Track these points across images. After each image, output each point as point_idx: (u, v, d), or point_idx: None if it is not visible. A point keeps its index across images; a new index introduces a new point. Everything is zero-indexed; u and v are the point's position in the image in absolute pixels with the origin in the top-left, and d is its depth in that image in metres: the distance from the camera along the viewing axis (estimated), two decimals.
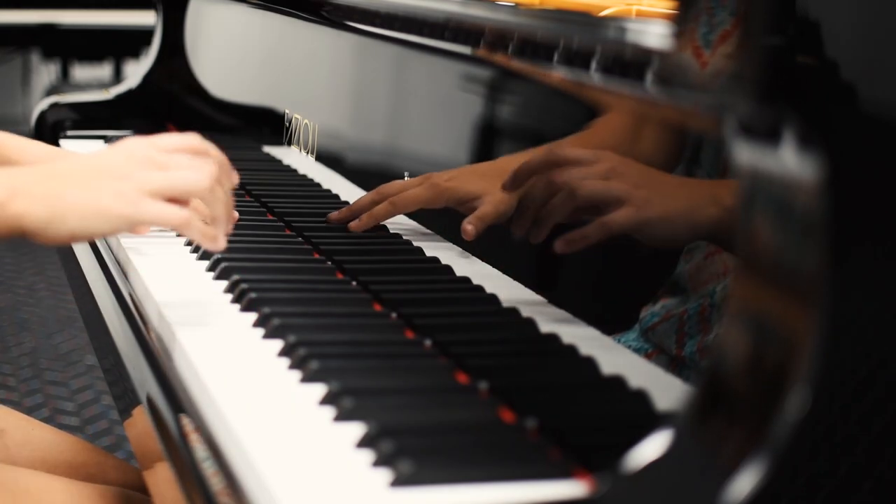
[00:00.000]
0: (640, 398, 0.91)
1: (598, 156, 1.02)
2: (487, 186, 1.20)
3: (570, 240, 1.00)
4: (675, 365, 0.94)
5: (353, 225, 1.37)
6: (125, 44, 5.20)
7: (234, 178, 1.09)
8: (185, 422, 0.94)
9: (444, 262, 1.26)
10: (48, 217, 0.96)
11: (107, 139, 2.06)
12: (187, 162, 1.02)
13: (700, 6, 0.80)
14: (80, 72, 5.36)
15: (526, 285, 1.14)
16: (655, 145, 1.00)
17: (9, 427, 1.40)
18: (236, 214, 1.08)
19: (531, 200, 1.08)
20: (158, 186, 0.99)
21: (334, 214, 1.40)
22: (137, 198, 0.98)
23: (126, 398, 1.14)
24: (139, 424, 1.06)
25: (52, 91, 4.60)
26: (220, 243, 1.05)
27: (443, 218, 1.31)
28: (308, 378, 0.95)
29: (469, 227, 1.20)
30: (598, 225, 0.98)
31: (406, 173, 1.38)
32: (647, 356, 0.98)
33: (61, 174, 1.00)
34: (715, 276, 0.91)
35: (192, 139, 1.06)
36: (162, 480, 0.96)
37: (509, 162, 1.20)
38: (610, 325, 1.03)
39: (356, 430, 0.85)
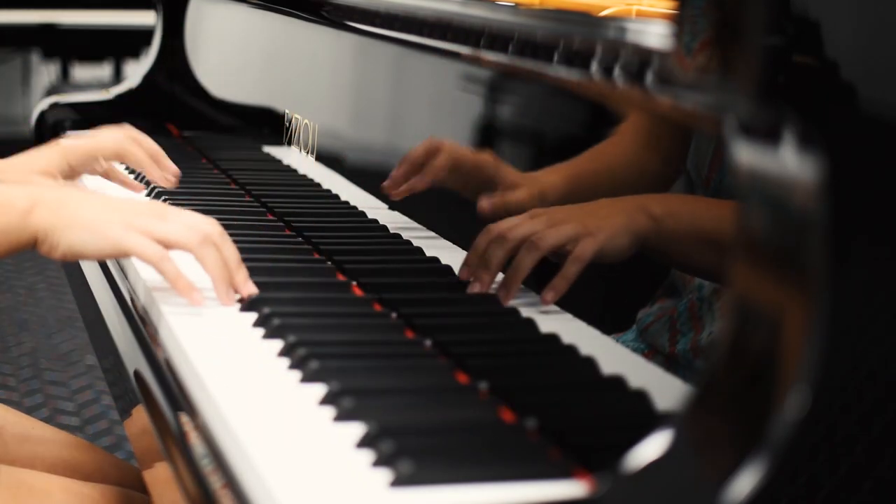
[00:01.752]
0: (640, 398, 0.91)
1: (535, 214, 1.11)
2: (527, 179, 1.19)
3: (555, 288, 1.08)
4: (668, 363, 0.94)
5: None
6: (125, 44, 5.20)
7: (236, 258, 1.12)
8: (185, 421, 0.94)
9: (444, 262, 1.26)
10: (55, 226, 1.08)
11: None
12: (187, 219, 1.11)
13: (687, 12, 0.80)
14: (80, 72, 5.37)
15: (526, 285, 1.14)
16: (664, 155, 1.00)
17: (7, 425, 1.40)
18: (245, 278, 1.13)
19: (488, 264, 1.14)
20: (152, 229, 1.09)
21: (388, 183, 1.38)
22: (129, 229, 1.08)
23: (126, 398, 1.14)
24: (139, 424, 1.06)
25: (52, 91, 4.60)
26: (193, 297, 1.09)
27: (443, 218, 1.31)
28: (308, 378, 0.95)
29: (486, 202, 1.20)
30: (572, 263, 1.05)
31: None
32: (644, 356, 0.98)
33: (77, 196, 1.11)
34: None
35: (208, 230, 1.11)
36: (161, 480, 0.96)
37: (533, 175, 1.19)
38: (609, 325, 1.03)
39: (356, 430, 0.85)
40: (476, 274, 1.16)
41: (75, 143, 1.42)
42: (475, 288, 1.15)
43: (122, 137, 1.43)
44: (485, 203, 1.20)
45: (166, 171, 1.44)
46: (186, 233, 1.09)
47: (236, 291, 1.11)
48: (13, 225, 1.07)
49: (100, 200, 1.11)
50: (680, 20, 0.81)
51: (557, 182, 1.15)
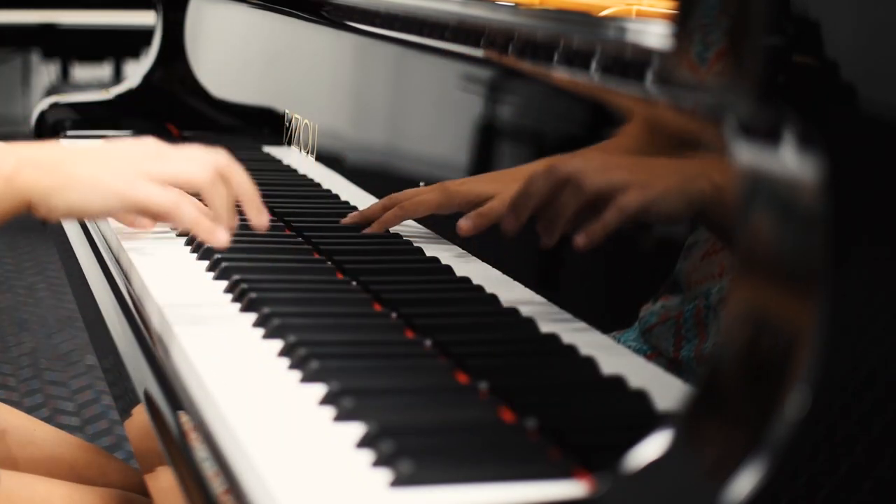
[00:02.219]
0: (640, 398, 0.91)
1: (588, 155, 1.04)
2: (499, 188, 1.20)
3: (590, 233, 1.00)
4: (671, 368, 0.94)
5: (364, 231, 1.36)
6: (125, 44, 5.20)
7: (248, 184, 1.06)
8: (185, 421, 0.94)
9: (444, 262, 1.26)
10: (51, 186, 0.99)
11: (107, 139, 2.05)
12: (192, 153, 1.04)
13: (696, 20, 0.80)
14: (80, 72, 5.36)
15: (526, 285, 1.14)
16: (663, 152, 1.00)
17: (10, 428, 1.40)
18: (235, 221, 1.07)
19: (535, 204, 1.08)
20: (157, 172, 1.01)
21: (346, 220, 1.39)
22: (134, 178, 1.00)
23: (126, 398, 1.14)
24: (139, 425, 1.06)
25: (52, 91, 4.60)
26: (216, 236, 1.03)
27: (443, 218, 1.31)
28: (308, 378, 0.95)
29: (465, 223, 1.19)
30: (613, 211, 0.98)
31: (421, 182, 1.38)
32: (647, 357, 0.98)
33: (69, 151, 1.04)
34: (710, 277, 0.91)
35: (216, 159, 1.05)
36: (163, 483, 0.96)
37: (521, 169, 1.20)
38: (610, 323, 1.03)
39: (356, 430, 0.85)
40: (518, 214, 1.09)
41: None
42: (512, 229, 1.09)
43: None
44: (463, 224, 1.19)
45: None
46: (196, 169, 1.01)
47: (252, 225, 1.06)
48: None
49: (94, 152, 1.03)
50: (681, 20, 0.81)
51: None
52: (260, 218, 1.06)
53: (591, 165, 1.03)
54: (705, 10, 0.79)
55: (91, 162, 1.01)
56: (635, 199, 0.97)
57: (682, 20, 0.81)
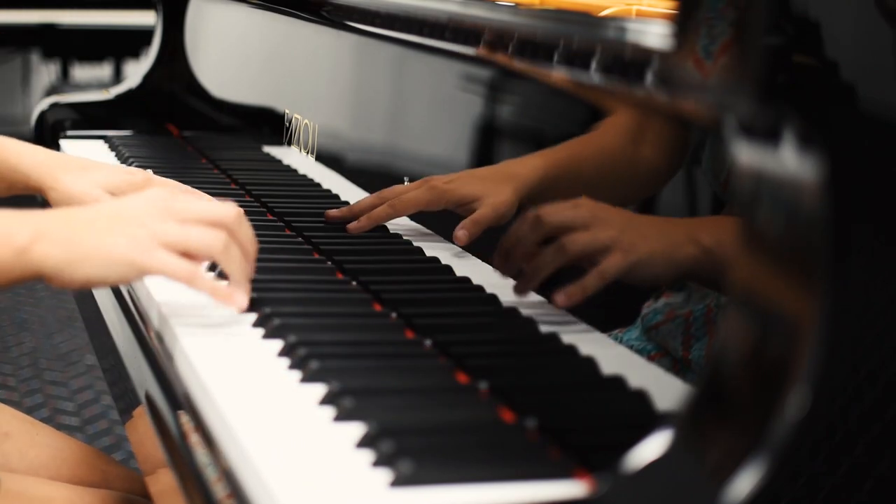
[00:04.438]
0: (640, 398, 0.91)
1: (578, 206, 1.05)
2: (487, 189, 1.20)
3: (570, 294, 1.03)
4: (679, 367, 0.94)
5: (351, 226, 1.37)
6: (125, 44, 5.20)
7: (253, 244, 1.07)
8: (185, 422, 0.94)
9: (444, 262, 1.26)
10: (66, 261, 0.98)
11: (107, 139, 2.06)
12: (204, 211, 1.04)
13: (700, 15, 0.80)
14: (80, 72, 5.36)
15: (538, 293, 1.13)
16: (658, 148, 1.00)
17: (13, 431, 1.39)
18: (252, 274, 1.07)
19: (519, 252, 1.11)
20: (173, 240, 1.01)
21: (333, 212, 1.40)
22: (150, 246, 1.00)
23: (126, 398, 1.14)
24: (140, 427, 1.06)
25: (52, 91, 4.60)
26: (235, 301, 1.04)
27: (443, 218, 1.31)
28: (308, 378, 0.95)
29: (461, 232, 1.22)
30: (594, 276, 1.01)
31: (406, 178, 1.38)
32: (650, 358, 0.98)
33: (83, 219, 1.02)
34: None
35: (223, 210, 1.05)
36: (164, 485, 0.96)
37: (509, 165, 1.20)
38: (611, 322, 1.03)
39: (356, 430, 0.85)
40: (506, 259, 1.12)
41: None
42: (504, 273, 1.13)
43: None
44: (460, 235, 1.22)
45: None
46: (210, 239, 1.02)
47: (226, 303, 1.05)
48: (10, 261, 0.98)
49: (107, 219, 1.02)
50: (681, 20, 0.81)
51: (534, 171, 1.15)
52: (238, 300, 1.05)
53: (577, 219, 1.04)
54: (710, 3, 0.79)
55: (105, 230, 1.01)
56: (617, 264, 0.99)
57: (683, 20, 0.81)
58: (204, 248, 1.02)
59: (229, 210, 1.05)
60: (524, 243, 1.09)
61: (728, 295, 0.75)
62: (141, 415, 1.04)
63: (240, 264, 1.04)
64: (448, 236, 1.32)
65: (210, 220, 1.03)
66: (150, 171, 1.47)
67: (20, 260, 0.98)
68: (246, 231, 1.06)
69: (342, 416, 0.87)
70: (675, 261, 0.95)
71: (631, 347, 1.00)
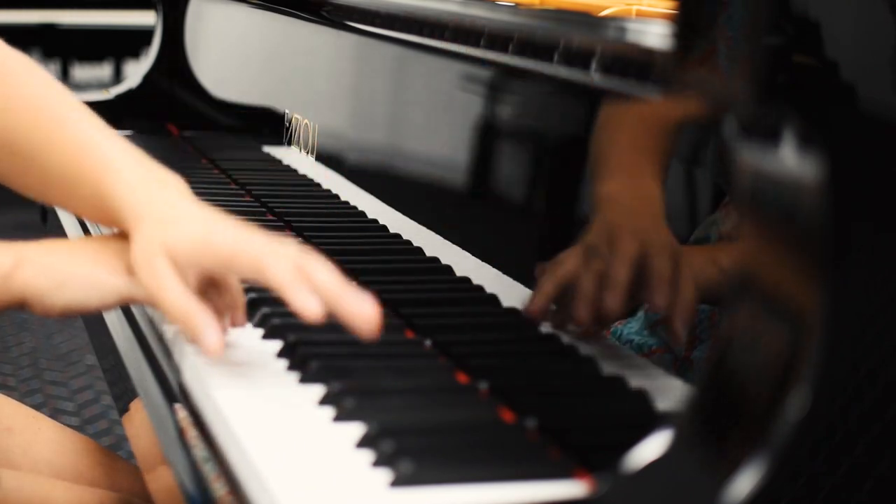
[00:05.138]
0: (640, 398, 0.91)
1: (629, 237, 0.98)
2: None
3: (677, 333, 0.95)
4: (681, 366, 0.94)
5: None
6: (125, 44, 5.20)
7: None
8: (184, 420, 0.94)
9: (444, 262, 1.26)
10: (46, 287, 0.98)
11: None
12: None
13: (705, 20, 0.80)
14: (80, 72, 5.36)
15: (526, 285, 1.14)
16: (657, 147, 1.00)
17: (16, 426, 1.39)
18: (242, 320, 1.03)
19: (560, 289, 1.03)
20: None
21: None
22: (131, 275, 0.98)
23: (126, 398, 1.14)
24: (137, 421, 1.06)
25: None
26: (206, 343, 0.93)
27: (443, 218, 1.31)
28: (308, 378, 0.95)
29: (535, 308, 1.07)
30: (685, 283, 0.94)
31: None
32: (651, 352, 0.98)
33: (66, 248, 1.02)
34: None
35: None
36: (163, 483, 0.96)
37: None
38: None
39: (356, 430, 0.85)
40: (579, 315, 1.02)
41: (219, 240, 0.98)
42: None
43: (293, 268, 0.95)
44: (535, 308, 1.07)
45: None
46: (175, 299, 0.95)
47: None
48: None
49: (93, 250, 1.01)
50: (682, 20, 0.81)
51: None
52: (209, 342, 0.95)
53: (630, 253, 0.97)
54: (730, 21, 0.78)
55: (89, 260, 1.00)
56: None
57: (683, 20, 0.81)
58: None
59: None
60: (566, 280, 1.01)
61: (728, 295, 0.75)
62: (138, 408, 1.04)
63: (181, 306, 0.96)
64: (448, 236, 1.32)
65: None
66: None
67: (5, 286, 0.97)
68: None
69: (342, 417, 0.87)
70: (699, 285, 0.93)
71: (631, 341, 1.00)
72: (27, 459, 1.36)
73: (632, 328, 1.00)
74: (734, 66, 0.75)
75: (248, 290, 1.12)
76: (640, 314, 0.99)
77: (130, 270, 0.99)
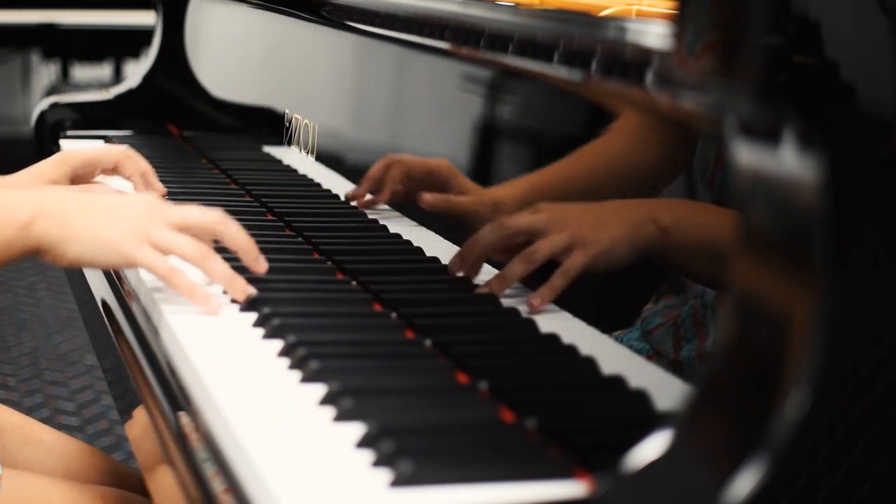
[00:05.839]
0: (640, 398, 0.91)
1: (537, 211, 1.10)
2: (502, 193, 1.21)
3: (541, 296, 1.09)
4: (672, 369, 0.94)
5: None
6: (125, 44, 5.20)
7: (244, 239, 1.14)
8: (185, 422, 0.94)
9: (444, 262, 1.26)
10: (60, 238, 1.07)
11: (107, 139, 2.06)
12: (191, 216, 1.11)
13: (705, 20, 0.80)
14: (80, 72, 5.36)
15: (525, 285, 1.14)
16: (660, 149, 1.00)
17: (7, 427, 1.39)
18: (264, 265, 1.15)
19: (479, 256, 1.18)
20: (160, 241, 1.08)
21: (352, 193, 1.51)
22: (141, 242, 1.07)
23: (126, 398, 1.14)
24: (140, 426, 1.06)
25: (52, 91, 4.60)
26: (210, 306, 1.09)
27: (443, 218, 1.31)
28: (308, 378, 0.95)
29: (429, 197, 1.27)
30: (559, 276, 1.06)
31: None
32: (648, 358, 0.98)
33: (83, 202, 1.10)
34: None
35: (212, 216, 1.12)
36: (163, 483, 0.96)
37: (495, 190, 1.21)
38: (611, 323, 1.03)
39: (356, 430, 0.85)
40: (464, 260, 1.18)
41: (77, 150, 1.40)
42: (458, 270, 1.18)
43: (121, 150, 1.42)
44: (428, 197, 1.27)
45: (152, 190, 1.43)
46: (190, 249, 1.09)
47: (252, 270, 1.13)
48: (13, 237, 1.06)
49: (104, 208, 1.10)
50: (682, 20, 0.81)
51: (513, 195, 1.17)
52: (258, 266, 1.14)
53: (537, 224, 1.09)
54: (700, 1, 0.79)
55: (101, 217, 1.08)
56: (579, 261, 1.04)
57: (686, 20, 0.81)
58: (186, 256, 1.09)
59: (214, 215, 1.12)
60: (486, 248, 1.16)
61: (727, 294, 0.75)
62: (140, 414, 1.04)
63: (218, 271, 1.10)
64: (448, 236, 1.32)
65: (195, 225, 1.11)
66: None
67: (21, 236, 1.06)
68: (233, 231, 1.13)
69: (342, 417, 0.87)
70: (636, 242, 0.99)
71: (631, 348, 1.00)
72: (21, 459, 1.36)
73: (632, 336, 1.00)
74: (734, 66, 0.75)
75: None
76: (638, 323, 1.00)
77: (137, 237, 1.07)
